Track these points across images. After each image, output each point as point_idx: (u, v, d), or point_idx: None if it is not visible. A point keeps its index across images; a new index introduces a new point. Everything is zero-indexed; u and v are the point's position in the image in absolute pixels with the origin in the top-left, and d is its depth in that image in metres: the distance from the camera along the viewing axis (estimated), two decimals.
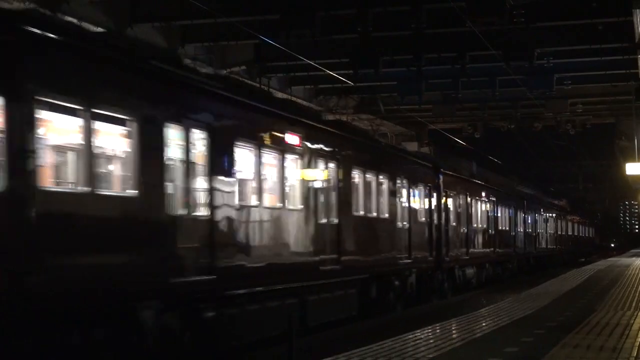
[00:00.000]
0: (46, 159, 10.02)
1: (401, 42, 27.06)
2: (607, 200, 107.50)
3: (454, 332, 13.96)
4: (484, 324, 15.06)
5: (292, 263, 16.32)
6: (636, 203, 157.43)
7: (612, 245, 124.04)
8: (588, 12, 24.01)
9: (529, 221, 47.70)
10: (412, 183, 24.85)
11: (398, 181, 23.48)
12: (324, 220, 18.03)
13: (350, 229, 19.53)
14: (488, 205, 36.16)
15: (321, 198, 17.97)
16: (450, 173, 30.26)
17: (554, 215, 59.69)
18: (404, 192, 24.08)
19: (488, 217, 36.20)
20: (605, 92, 36.12)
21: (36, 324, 9.62)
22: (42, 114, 9.85)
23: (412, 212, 24.61)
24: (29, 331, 9.54)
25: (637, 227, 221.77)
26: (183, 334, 12.63)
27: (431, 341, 12.80)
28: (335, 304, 18.49)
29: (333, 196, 18.53)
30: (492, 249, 36.64)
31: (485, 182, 37.39)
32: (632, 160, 36.15)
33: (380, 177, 21.88)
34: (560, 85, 31.95)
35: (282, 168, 16.03)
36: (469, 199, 32.43)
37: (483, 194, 35.64)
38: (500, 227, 38.52)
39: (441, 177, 28.29)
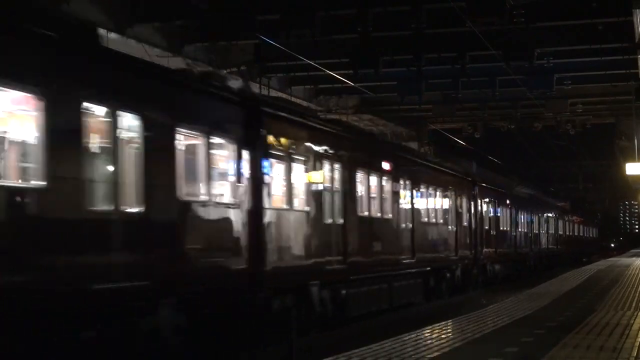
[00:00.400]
0: (270, 189, 15.94)
1: (401, 42, 27.04)
2: (607, 200, 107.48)
3: (454, 332, 13.96)
4: (483, 324, 15.06)
5: (386, 257, 22.53)
6: (636, 203, 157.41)
7: (612, 245, 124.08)
8: (588, 12, 24.00)
9: (542, 223, 54.11)
10: (458, 194, 30.90)
11: (448, 193, 29.81)
12: (403, 225, 24.36)
13: (420, 231, 25.76)
14: (511, 210, 42.15)
15: (402, 208, 24.21)
16: (484, 185, 35.94)
17: (563, 218, 66.24)
18: (453, 202, 30.26)
19: (511, 220, 42.36)
20: (605, 92, 36.10)
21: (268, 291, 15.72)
22: (269, 160, 16.00)
23: (458, 217, 30.47)
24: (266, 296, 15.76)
25: (637, 227, 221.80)
26: (329, 303, 18.61)
27: (431, 341, 12.81)
28: (409, 290, 24.56)
29: (408, 207, 25.06)
30: (513, 248, 42.45)
31: (507, 190, 43.31)
32: (632, 160, 36.13)
33: (438, 190, 28.39)
34: (560, 85, 31.93)
35: (380, 187, 22.44)
36: (496, 206, 38.42)
37: (507, 201, 41.45)
38: (519, 230, 44.43)
39: (477, 188, 34.00)
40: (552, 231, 57.72)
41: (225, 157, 14.75)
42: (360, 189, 20.99)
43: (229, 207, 14.66)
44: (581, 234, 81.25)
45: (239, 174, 14.95)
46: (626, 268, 39.55)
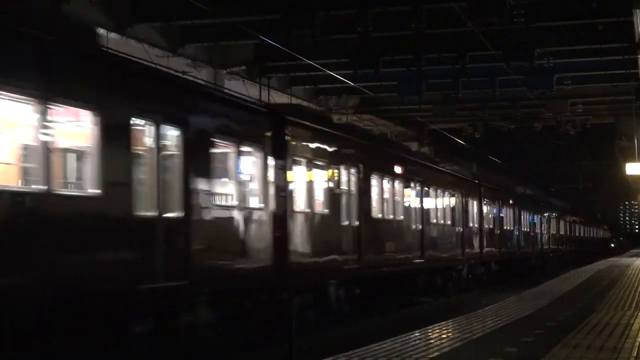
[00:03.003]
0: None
1: (401, 42, 27.04)
2: (607, 201, 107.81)
3: (454, 332, 13.95)
4: (484, 324, 15.06)
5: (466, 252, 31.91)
6: (636, 203, 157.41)
7: (612, 245, 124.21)
8: (588, 12, 23.99)
9: (568, 227, 66.74)
10: (523, 208, 39.80)
11: (502, 205, 37.44)
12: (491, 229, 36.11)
13: (493, 234, 36.43)
14: (548, 217, 50.18)
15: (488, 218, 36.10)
16: (525, 195, 42.01)
17: (582, 223, 78.96)
18: (509, 212, 38.89)
19: (543, 225, 49.90)
20: (605, 92, 36.11)
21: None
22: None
23: (506, 222, 37.83)
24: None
25: (637, 227, 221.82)
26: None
27: (431, 341, 12.80)
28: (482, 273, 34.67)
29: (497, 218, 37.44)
30: (539, 246, 48.32)
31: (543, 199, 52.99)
32: (632, 160, 36.12)
33: (501, 205, 36.07)
34: (560, 85, 31.93)
35: (469, 205, 32.68)
36: (537, 214, 45.30)
37: (550, 207, 49.72)
38: (548, 232, 51.34)
39: (518, 200, 41.58)
40: (576, 234, 63.15)
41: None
42: (468, 209, 32.87)
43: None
44: (599, 236, 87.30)
45: None
46: (626, 268, 39.55)
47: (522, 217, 44.23)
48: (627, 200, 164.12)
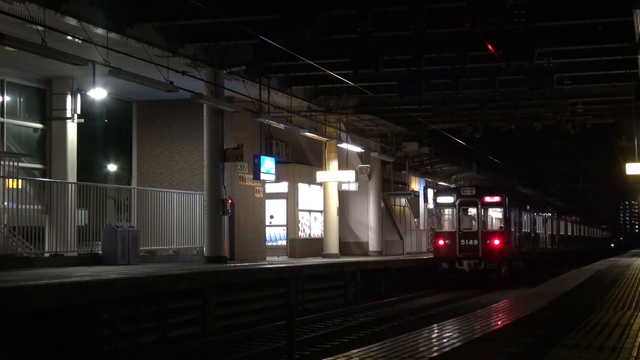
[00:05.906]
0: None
1: (401, 42, 27.04)
2: (606, 201, 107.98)
3: (454, 332, 13.95)
4: (484, 324, 15.05)
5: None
6: (636, 203, 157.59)
7: (612, 245, 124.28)
8: (588, 12, 23.97)
9: (586, 231, 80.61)
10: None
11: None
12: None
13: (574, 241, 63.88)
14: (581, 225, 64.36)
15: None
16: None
17: (594, 225, 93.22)
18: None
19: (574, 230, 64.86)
20: (605, 92, 36.08)
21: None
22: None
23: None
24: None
25: (637, 227, 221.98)
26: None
27: (431, 341, 12.80)
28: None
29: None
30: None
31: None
32: (632, 160, 36.13)
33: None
34: (560, 85, 31.90)
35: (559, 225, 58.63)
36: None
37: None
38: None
39: (568, 215, 56.10)
40: (593, 235, 73.60)
41: None
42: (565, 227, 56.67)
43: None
44: (606, 236, 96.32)
45: None
46: (626, 268, 39.57)
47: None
48: (627, 200, 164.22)
